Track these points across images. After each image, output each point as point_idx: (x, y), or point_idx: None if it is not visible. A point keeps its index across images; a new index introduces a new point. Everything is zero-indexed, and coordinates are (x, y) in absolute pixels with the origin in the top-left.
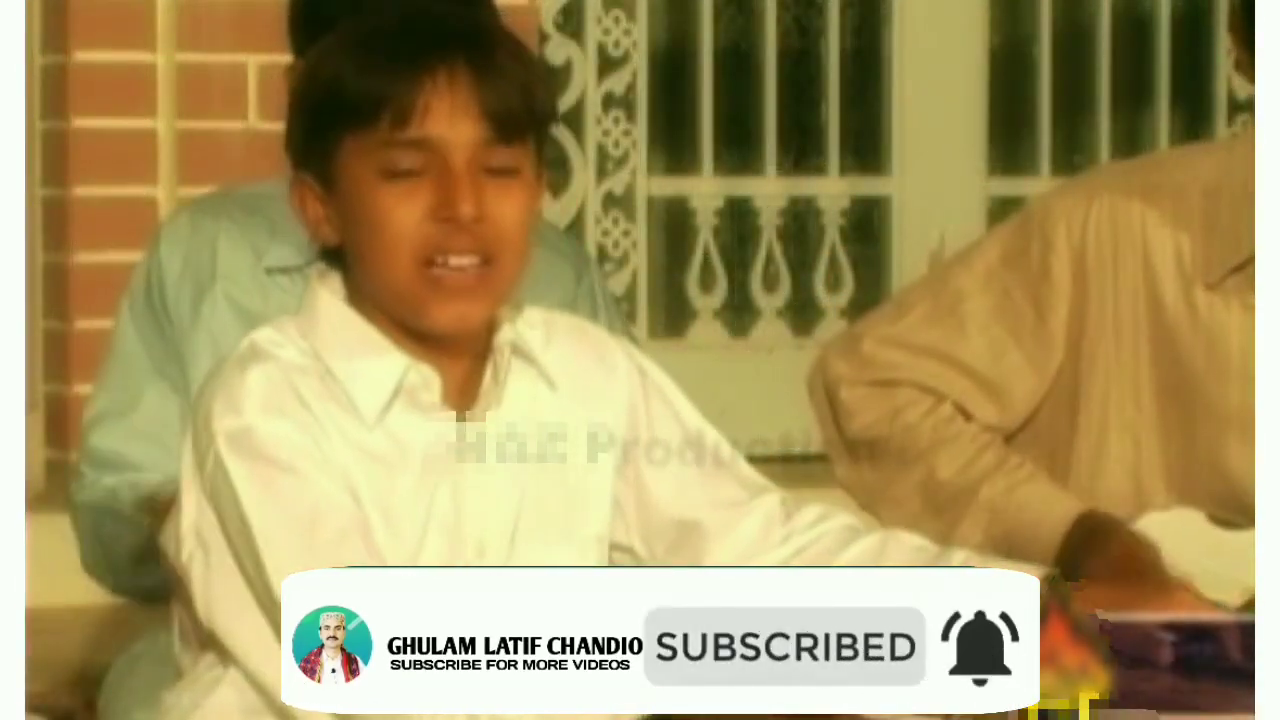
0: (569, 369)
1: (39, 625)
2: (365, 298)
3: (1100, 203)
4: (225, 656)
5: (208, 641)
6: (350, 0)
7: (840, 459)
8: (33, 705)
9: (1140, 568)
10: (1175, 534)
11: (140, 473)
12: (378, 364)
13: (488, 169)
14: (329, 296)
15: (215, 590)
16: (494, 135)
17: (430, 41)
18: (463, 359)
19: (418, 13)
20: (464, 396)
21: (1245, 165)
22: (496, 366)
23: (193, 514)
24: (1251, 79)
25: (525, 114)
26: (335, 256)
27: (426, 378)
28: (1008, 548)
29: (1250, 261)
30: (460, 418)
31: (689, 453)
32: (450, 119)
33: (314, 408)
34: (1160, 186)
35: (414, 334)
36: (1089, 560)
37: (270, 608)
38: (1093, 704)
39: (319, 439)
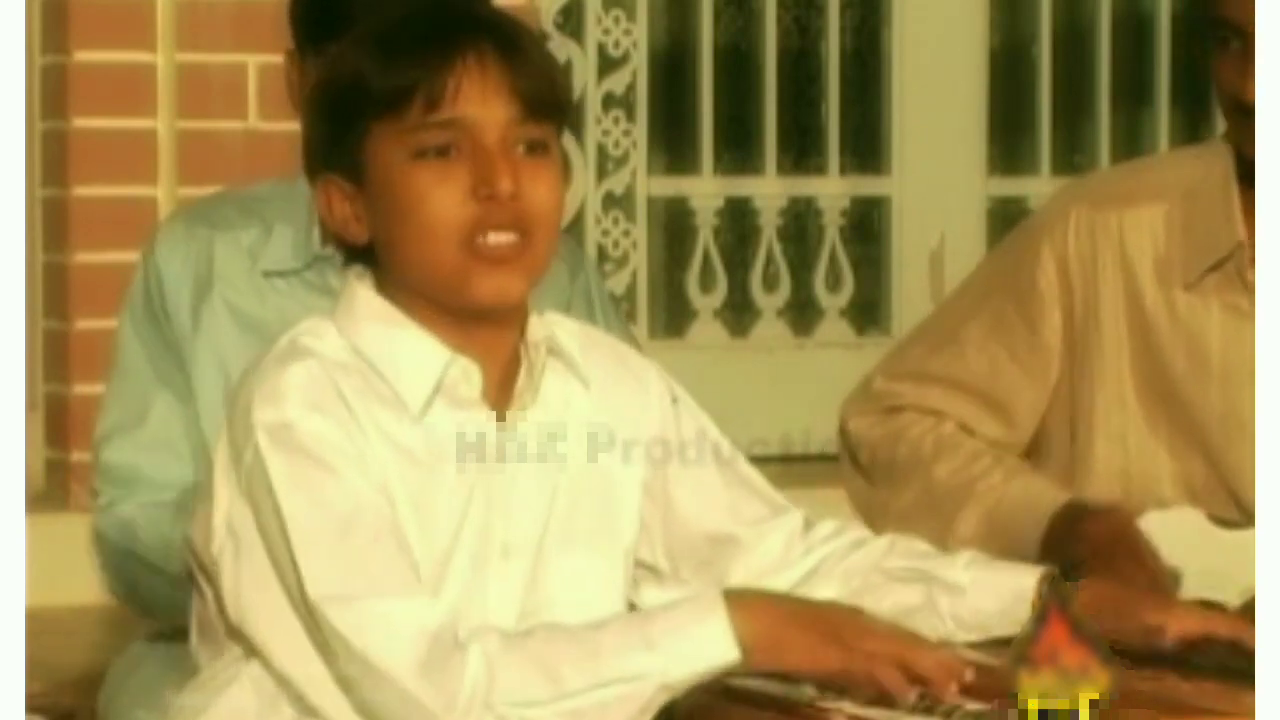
0: (602, 376)
1: (39, 625)
2: (402, 289)
3: (1079, 211)
4: (250, 650)
5: (233, 635)
6: None
7: (857, 491)
8: (33, 705)
9: (1126, 551)
10: (1175, 532)
11: (153, 490)
12: (420, 356)
13: (521, 146)
14: (367, 292)
15: (245, 584)
16: (525, 113)
17: (457, 27)
18: (499, 355)
19: (436, 6)
20: (501, 394)
21: (1224, 164)
22: (532, 363)
23: (225, 507)
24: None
25: (551, 95)
26: (362, 256)
27: (467, 371)
28: (1002, 539)
29: (1228, 259)
30: (497, 415)
31: (717, 471)
32: (482, 98)
33: (354, 405)
34: (1136, 191)
35: (453, 325)
36: (1072, 546)
37: (300, 604)
38: (1092, 704)
39: (357, 438)
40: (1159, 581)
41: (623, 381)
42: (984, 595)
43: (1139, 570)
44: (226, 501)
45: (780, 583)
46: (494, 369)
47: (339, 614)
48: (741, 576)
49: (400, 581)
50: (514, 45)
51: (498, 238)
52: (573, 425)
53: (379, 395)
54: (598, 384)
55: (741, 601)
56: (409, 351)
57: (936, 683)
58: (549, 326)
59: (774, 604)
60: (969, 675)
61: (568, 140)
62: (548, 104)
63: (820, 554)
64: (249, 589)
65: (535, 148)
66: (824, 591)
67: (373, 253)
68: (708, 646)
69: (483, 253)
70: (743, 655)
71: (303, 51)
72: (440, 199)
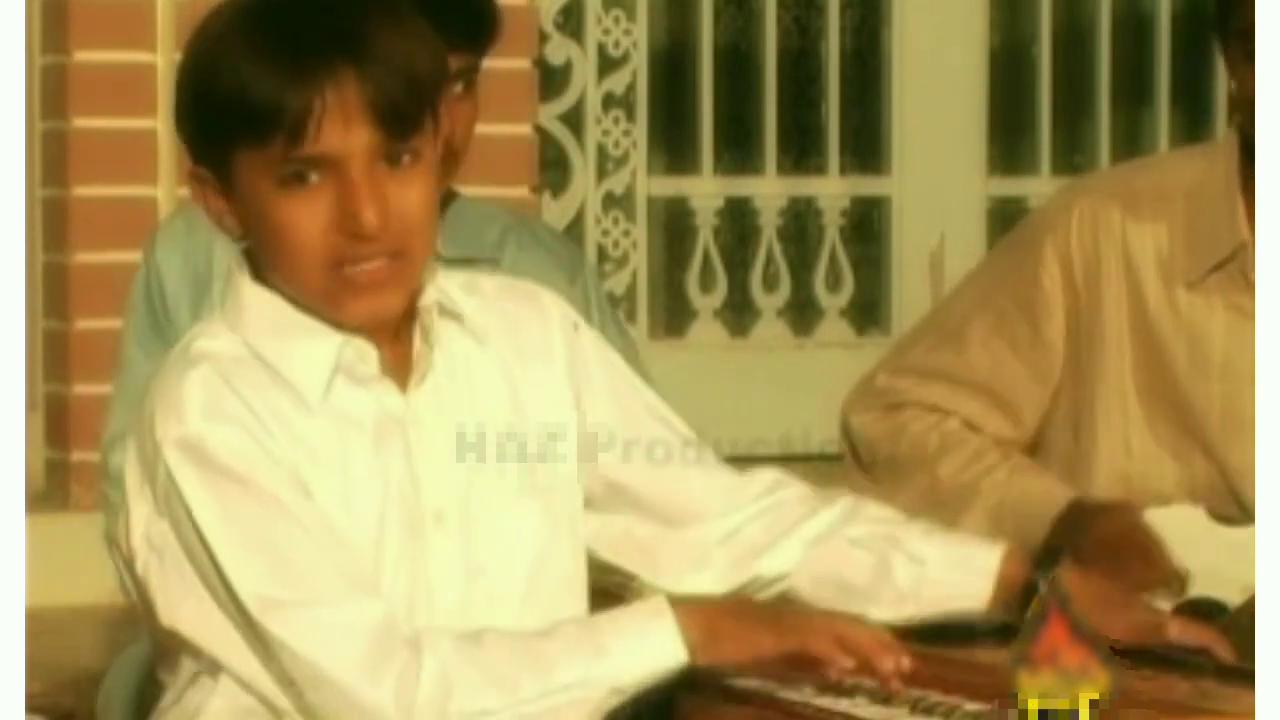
0: (498, 323)
1: (39, 625)
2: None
3: (1082, 210)
4: (196, 658)
5: (174, 646)
6: None
7: (859, 487)
8: (33, 705)
9: (1135, 548)
10: (1176, 529)
11: None
12: (312, 346)
13: (387, 164)
14: (250, 285)
15: (175, 596)
16: (389, 134)
17: (313, 51)
18: (390, 326)
19: (301, 12)
20: (399, 364)
21: (1227, 165)
22: (425, 329)
23: (142, 524)
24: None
25: (415, 101)
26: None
27: (362, 351)
28: (1007, 538)
29: (1231, 259)
30: (400, 385)
31: (625, 385)
32: (345, 130)
33: (254, 402)
34: (1139, 191)
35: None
36: (1079, 541)
37: (238, 617)
38: (1092, 704)
39: (263, 438)
40: (1168, 581)
41: (521, 319)
42: (944, 568)
43: (1147, 569)
44: (144, 519)
45: (720, 525)
46: (388, 341)
47: (278, 622)
48: (679, 505)
49: (337, 581)
50: (373, 60)
51: (368, 265)
52: (476, 383)
53: (279, 384)
54: (496, 333)
55: (683, 604)
56: (301, 345)
57: (873, 655)
58: (439, 287)
59: (714, 604)
60: (906, 663)
61: (568, 140)
62: (413, 113)
63: (766, 503)
64: (179, 599)
65: (403, 158)
66: (788, 557)
67: None
68: (657, 650)
69: (353, 276)
70: (689, 655)
71: None
72: (305, 230)
